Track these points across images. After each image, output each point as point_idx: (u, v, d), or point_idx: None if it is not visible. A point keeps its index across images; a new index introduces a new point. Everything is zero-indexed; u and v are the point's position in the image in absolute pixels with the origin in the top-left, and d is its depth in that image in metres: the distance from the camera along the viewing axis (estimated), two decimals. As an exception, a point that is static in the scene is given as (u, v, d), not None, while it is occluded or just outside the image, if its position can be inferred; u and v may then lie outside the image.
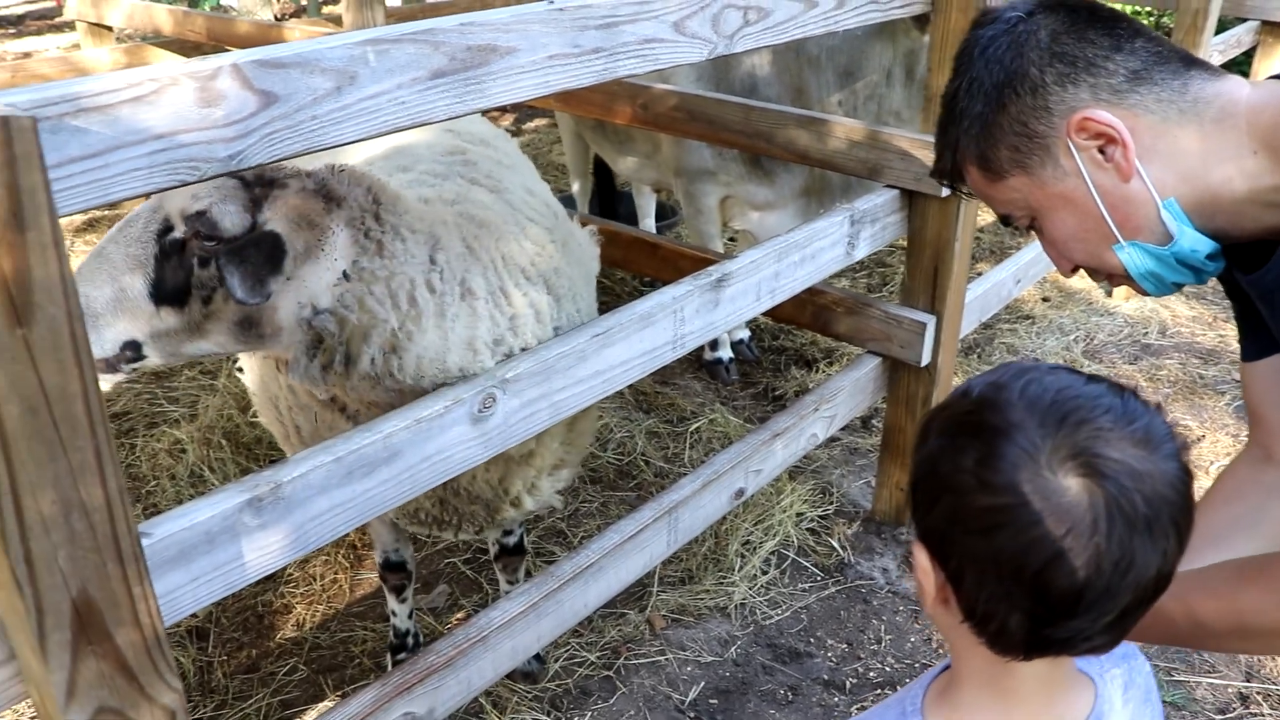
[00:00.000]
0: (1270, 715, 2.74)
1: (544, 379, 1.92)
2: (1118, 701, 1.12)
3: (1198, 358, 4.53)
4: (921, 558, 1.03)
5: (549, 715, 2.74)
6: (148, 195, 1.35)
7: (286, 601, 3.16)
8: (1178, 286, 1.38)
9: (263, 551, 1.52)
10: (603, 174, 5.38)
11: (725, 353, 4.49)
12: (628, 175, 4.69)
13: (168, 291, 1.71)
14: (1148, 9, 7.85)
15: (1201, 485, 1.42)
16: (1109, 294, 5.08)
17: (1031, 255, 3.91)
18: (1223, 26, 5.65)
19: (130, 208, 2.63)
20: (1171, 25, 4.82)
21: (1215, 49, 4.83)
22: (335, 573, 3.27)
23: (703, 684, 2.85)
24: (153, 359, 1.75)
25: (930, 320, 3.02)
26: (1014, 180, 1.36)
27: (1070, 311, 4.97)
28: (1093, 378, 1.00)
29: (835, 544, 3.39)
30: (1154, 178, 1.28)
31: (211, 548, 1.44)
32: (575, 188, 5.36)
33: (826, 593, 3.20)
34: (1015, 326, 4.84)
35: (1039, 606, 0.94)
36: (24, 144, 1.02)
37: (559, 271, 2.21)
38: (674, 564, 3.29)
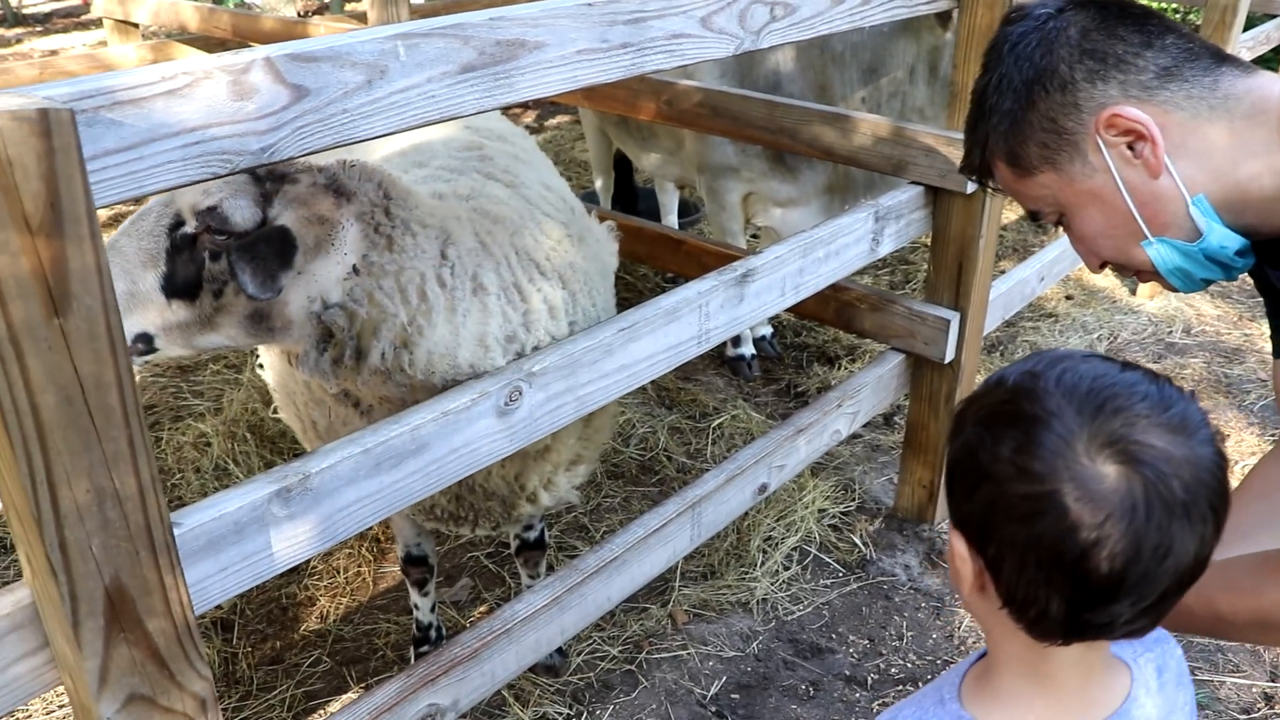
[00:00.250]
0: (1296, 716, 2.72)
1: (570, 373, 1.93)
2: (1153, 685, 1.13)
3: (1222, 357, 4.50)
4: (959, 545, 1.04)
5: (570, 708, 2.75)
6: (181, 188, 1.36)
7: (310, 594, 3.18)
8: (1206, 283, 1.38)
9: (291, 542, 1.53)
10: (622, 171, 5.39)
11: (748, 349, 4.49)
12: (651, 171, 4.70)
13: (179, 285, 1.71)
14: (1174, 5, 7.79)
15: (1230, 483, 1.41)
16: (1134, 291, 5.04)
17: (1055, 253, 3.89)
18: (1251, 23, 5.60)
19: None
20: (1199, 22, 4.77)
21: (1244, 46, 4.78)
22: (359, 566, 3.29)
23: (724, 679, 2.85)
24: (164, 351, 1.76)
25: (954, 317, 3.01)
26: (1043, 176, 1.35)
27: (1094, 310, 4.94)
28: (1127, 365, 1.01)
29: (857, 540, 3.38)
30: (1183, 174, 1.27)
31: (240, 538, 1.45)
32: (598, 184, 5.37)
33: (848, 589, 3.20)
34: (1038, 324, 4.81)
35: (1078, 592, 0.95)
36: (62, 136, 1.03)
37: (574, 267, 2.21)
38: (696, 559, 3.30)
